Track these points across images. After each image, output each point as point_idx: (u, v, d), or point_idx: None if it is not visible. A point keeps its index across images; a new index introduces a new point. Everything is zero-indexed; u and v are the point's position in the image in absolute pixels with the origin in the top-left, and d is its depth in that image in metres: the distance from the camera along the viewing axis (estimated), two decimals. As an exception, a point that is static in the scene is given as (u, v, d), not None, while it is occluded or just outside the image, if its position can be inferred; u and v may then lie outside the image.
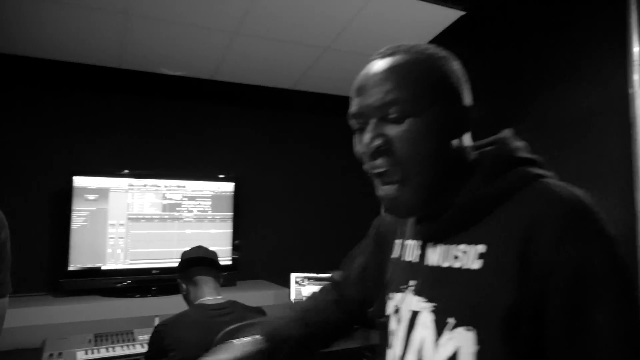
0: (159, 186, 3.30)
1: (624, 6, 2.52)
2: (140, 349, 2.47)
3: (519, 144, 0.75)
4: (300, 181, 3.86)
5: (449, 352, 0.67)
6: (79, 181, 3.06)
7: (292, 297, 3.19)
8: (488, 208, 0.69)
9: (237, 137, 3.70)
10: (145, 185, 3.26)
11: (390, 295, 0.86)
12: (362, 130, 0.73)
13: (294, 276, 3.27)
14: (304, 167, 3.89)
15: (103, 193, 3.13)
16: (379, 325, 0.92)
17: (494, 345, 0.63)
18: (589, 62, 2.78)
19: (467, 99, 0.75)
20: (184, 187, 3.37)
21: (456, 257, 0.71)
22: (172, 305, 2.51)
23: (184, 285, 2.09)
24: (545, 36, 3.02)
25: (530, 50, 3.09)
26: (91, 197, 3.09)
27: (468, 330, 0.66)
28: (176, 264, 2.14)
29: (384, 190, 0.73)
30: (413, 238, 0.83)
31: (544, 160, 0.74)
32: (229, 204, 3.49)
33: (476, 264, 0.68)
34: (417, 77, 0.69)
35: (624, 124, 2.53)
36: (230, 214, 3.48)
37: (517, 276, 0.63)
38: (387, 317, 0.86)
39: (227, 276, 2.83)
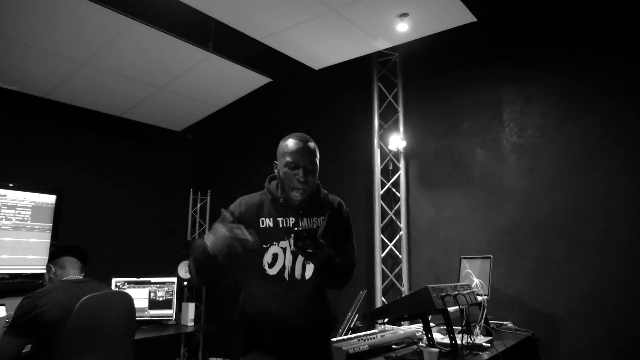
0: (-23, 193, 3.36)
1: (371, 95, 3.96)
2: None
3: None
4: (118, 197, 4.26)
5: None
6: None
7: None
8: (324, 203, 1.79)
9: (62, 153, 3.94)
10: (-38, 191, 3.28)
11: (275, 243, 1.70)
12: (295, 168, 1.64)
13: (114, 280, 3.65)
14: (122, 186, 4.32)
15: None
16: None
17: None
18: (350, 128, 4.15)
19: None
20: (4, 195, 3.48)
21: (314, 222, 1.73)
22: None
23: (53, 269, 2.45)
24: (327, 107, 4.35)
25: (315, 116, 4.37)
26: None
27: None
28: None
29: (296, 195, 1.66)
30: (284, 217, 1.72)
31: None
32: (49, 214, 3.69)
33: (322, 223, 1.70)
34: (317, 154, 1.69)
35: (368, 169, 3.90)
36: (49, 225, 3.68)
37: (333, 226, 1.67)
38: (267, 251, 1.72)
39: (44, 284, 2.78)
